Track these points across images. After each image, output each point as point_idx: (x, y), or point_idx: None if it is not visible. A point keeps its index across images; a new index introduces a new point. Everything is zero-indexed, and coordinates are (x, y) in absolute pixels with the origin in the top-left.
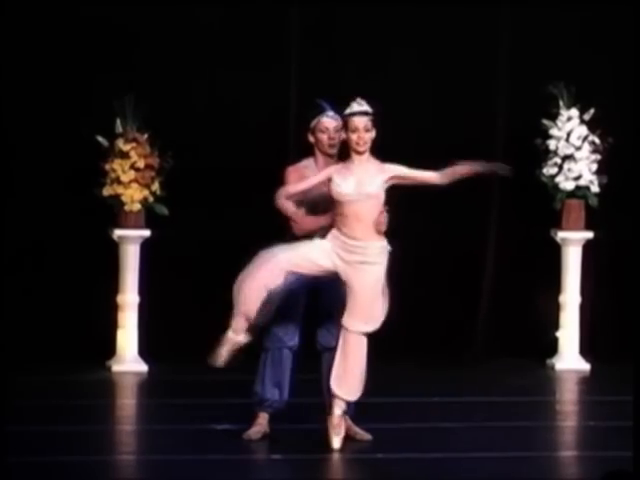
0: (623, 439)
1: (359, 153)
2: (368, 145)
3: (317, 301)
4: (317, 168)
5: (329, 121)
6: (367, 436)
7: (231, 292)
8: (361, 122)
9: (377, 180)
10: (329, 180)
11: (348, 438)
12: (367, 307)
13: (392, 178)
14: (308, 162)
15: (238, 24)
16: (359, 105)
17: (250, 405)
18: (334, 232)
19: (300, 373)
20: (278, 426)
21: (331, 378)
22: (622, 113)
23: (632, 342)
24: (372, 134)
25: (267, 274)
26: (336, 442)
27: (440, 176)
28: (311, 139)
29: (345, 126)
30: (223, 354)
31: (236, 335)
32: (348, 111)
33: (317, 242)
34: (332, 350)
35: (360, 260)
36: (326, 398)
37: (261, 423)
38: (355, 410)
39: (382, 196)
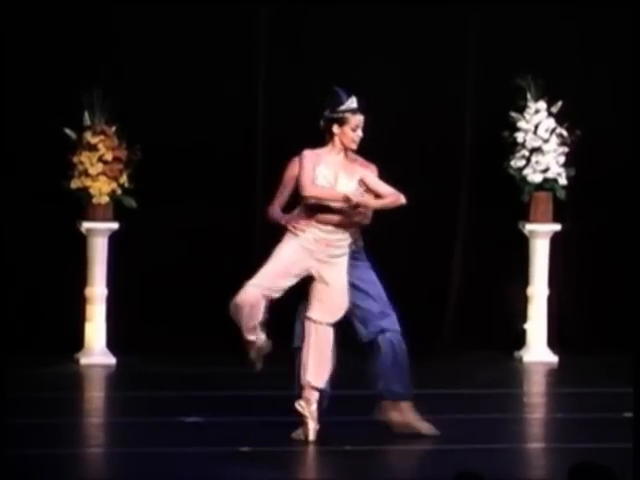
0: (590, 431)
1: (352, 149)
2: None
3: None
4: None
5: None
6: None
7: (197, 286)
8: (362, 120)
9: (354, 177)
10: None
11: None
12: (336, 299)
13: (361, 181)
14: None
15: (207, 20)
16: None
17: (218, 398)
18: (307, 225)
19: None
20: (247, 418)
21: (306, 371)
22: (590, 106)
23: (632, 334)
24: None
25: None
26: (311, 434)
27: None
28: (335, 131)
29: (342, 121)
30: (255, 359)
31: (253, 337)
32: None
33: (284, 254)
34: (377, 337)
35: (333, 254)
36: (381, 386)
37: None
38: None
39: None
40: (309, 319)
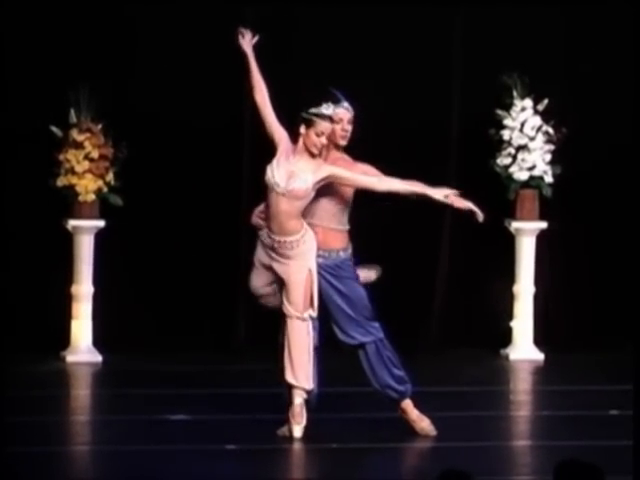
0: (577, 429)
1: (313, 153)
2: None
3: (331, 301)
4: (322, 158)
5: (344, 112)
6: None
7: (184, 284)
8: (329, 128)
9: (308, 179)
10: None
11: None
12: (295, 297)
13: (327, 178)
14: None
15: (194, 18)
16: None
17: (204, 396)
18: (263, 222)
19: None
20: (234, 416)
21: (284, 368)
22: (576, 103)
23: (632, 331)
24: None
25: None
26: (297, 431)
27: (379, 182)
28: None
29: (309, 123)
30: None
31: None
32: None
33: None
34: (360, 346)
35: (283, 254)
36: (378, 389)
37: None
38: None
39: (310, 196)
40: (282, 312)
